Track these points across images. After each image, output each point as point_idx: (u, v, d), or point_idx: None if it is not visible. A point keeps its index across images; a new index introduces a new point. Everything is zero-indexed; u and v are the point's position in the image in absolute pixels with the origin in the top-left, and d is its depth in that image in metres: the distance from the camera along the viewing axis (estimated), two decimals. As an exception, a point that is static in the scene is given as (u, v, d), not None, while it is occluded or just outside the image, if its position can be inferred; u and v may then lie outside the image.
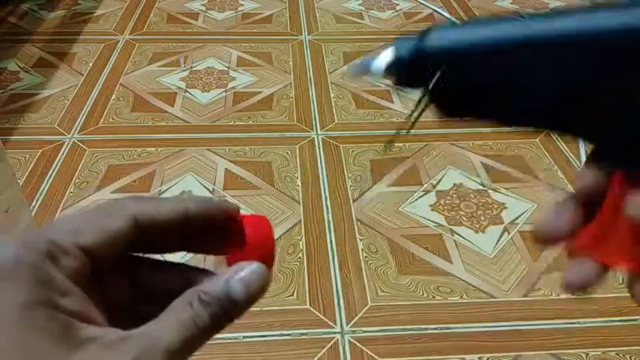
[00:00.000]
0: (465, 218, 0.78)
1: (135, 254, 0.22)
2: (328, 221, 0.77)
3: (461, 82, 0.22)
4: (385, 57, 0.22)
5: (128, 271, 0.22)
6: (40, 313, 0.18)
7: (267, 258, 0.22)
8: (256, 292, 0.21)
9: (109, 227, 0.20)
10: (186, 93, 1.05)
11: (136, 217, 0.21)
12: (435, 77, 0.22)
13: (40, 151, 0.88)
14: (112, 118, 0.97)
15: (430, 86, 0.22)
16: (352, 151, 0.91)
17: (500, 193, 0.83)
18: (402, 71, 0.23)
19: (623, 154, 0.22)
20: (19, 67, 1.11)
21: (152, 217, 0.21)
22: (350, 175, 0.86)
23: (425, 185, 0.84)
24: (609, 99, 0.20)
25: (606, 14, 0.20)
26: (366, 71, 0.22)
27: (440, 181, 0.85)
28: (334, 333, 0.63)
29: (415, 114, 0.24)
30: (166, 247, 0.23)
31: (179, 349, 0.20)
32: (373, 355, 0.60)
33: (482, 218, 0.78)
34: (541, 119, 0.23)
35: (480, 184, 0.84)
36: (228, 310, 0.21)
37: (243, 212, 0.23)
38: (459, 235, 0.75)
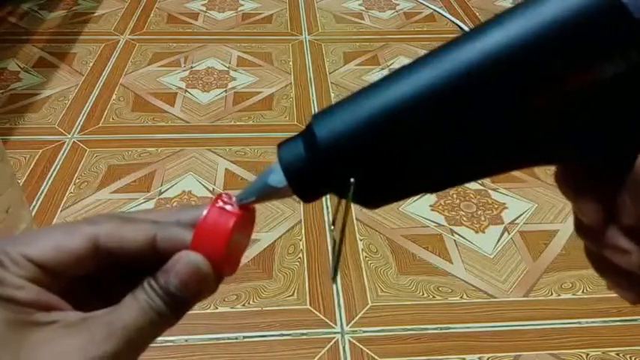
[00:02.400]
0: (465, 218, 0.78)
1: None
2: (328, 221, 0.77)
3: (378, 171, 0.21)
4: (277, 175, 0.21)
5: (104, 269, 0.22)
6: None
7: (215, 256, 0.21)
8: (193, 287, 0.21)
9: (64, 245, 0.21)
10: (187, 93, 1.05)
11: (96, 239, 0.21)
12: (351, 187, 0.21)
13: (41, 151, 0.88)
14: (112, 118, 0.97)
15: (350, 198, 0.21)
16: (352, 151, 0.91)
17: (500, 193, 0.83)
18: (305, 184, 0.21)
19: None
20: (19, 67, 1.11)
21: (115, 241, 0.21)
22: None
23: (425, 185, 0.84)
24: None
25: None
26: (269, 191, 0.21)
27: (440, 181, 0.85)
28: (334, 333, 0.63)
29: (339, 221, 0.22)
30: (135, 266, 0.22)
31: (136, 330, 0.20)
32: (373, 355, 0.60)
33: (482, 218, 0.78)
34: (471, 168, 0.21)
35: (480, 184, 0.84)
36: (174, 301, 0.21)
37: (227, 198, 0.22)
38: (459, 235, 0.75)
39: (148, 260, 0.22)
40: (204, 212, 0.21)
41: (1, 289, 0.19)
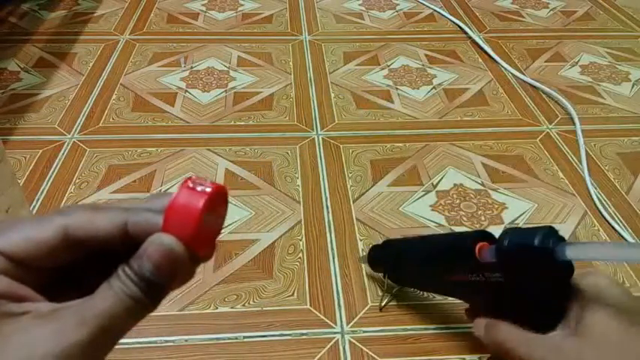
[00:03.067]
0: (465, 218, 0.78)
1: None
2: (328, 221, 0.77)
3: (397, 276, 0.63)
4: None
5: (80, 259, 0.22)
6: None
7: (187, 237, 0.21)
8: (167, 269, 0.20)
9: (34, 236, 0.20)
10: (187, 93, 1.05)
11: (66, 229, 0.21)
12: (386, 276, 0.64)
13: (41, 151, 0.88)
14: (113, 118, 0.97)
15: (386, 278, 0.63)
16: (352, 151, 0.91)
17: (500, 193, 0.83)
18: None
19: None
20: (19, 67, 1.11)
21: (85, 230, 0.21)
22: (350, 175, 0.86)
23: (425, 185, 0.84)
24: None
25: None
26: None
27: (440, 181, 0.85)
28: (334, 333, 0.63)
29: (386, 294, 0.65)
30: (108, 254, 0.22)
31: (111, 318, 0.19)
32: (373, 356, 0.60)
33: (483, 218, 0.78)
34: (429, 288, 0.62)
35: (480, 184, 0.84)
36: (149, 286, 0.20)
37: (199, 182, 0.21)
38: (459, 235, 0.75)
39: (120, 248, 0.21)
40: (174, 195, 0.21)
41: None
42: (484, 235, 0.46)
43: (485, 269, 0.45)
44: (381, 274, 0.66)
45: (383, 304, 0.66)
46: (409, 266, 0.61)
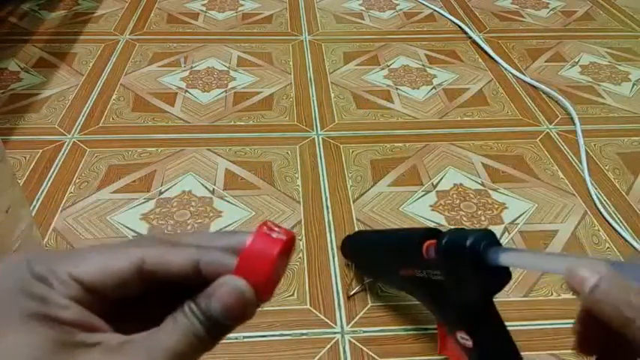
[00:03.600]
0: (465, 218, 0.78)
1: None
2: (328, 221, 0.77)
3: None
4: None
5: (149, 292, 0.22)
6: (38, 323, 0.19)
7: (258, 282, 0.21)
8: (235, 312, 0.21)
9: (110, 266, 0.21)
10: (187, 93, 1.05)
11: (142, 262, 0.21)
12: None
13: (41, 151, 0.88)
14: (113, 118, 0.97)
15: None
16: (352, 151, 0.91)
17: (500, 193, 0.83)
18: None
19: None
20: (19, 67, 1.11)
21: (160, 265, 0.21)
22: (350, 175, 0.86)
23: (425, 185, 0.84)
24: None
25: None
26: None
27: (440, 181, 0.85)
28: (334, 333, 0.63)
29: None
30: (177, 289, 0.22)
31: (176, 355, 0.20)
32: (373, 356, 0.60)
33: (483, 218, 0.78)
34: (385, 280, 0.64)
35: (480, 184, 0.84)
36: (214, 326, 0.21)
37: (269, 226, 0.22)
38: (459, 235, 0.75)
39: (190, 284, 0.22)
40: (249, 238, 0.22)
41: (47, 308, 0.19)
42: (435, 234, 0.47)
43: (429, 267, 0.46)
44: (352, 265, 0.68)
45: (351, 293, 0.67)
46: (368, 257, 0.63)
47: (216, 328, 0.21)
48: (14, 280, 0.20)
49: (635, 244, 0.75)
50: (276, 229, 0.22)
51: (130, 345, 0.20)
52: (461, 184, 0.84)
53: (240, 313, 0.22)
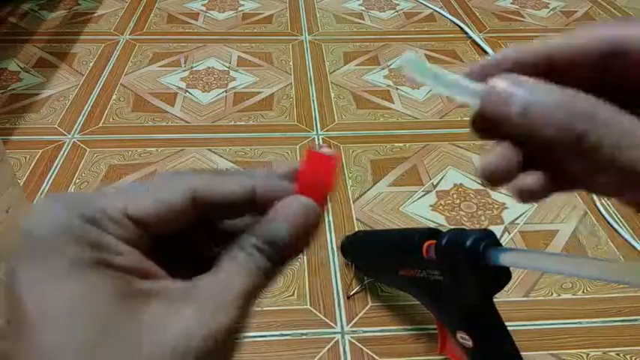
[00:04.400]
0: (465, 218, 0.78)
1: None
2: (329, 221, 0.77)
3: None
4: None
5: (199, 227, 0.21)
6: (92, 272, 0.17)
7: (317, 195, 0.21)
8: (303, 231, 0.20)
9: (165, 200, 0.19)
10: (187, 93, 1.05)
11: (195, 192, 0.19)
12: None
13: (41, 151, 0.88)
14: (113, 119, 0.97)
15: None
16: (352, 151, 0.91)
17: (501, 193, 0.83)
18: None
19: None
20: (19, 67, 1.11)
21: (213, 193, 0.20)
22: (350, 175, 0.86)
23: (425, 185, 0.84)
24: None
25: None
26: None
27: (440, 181, 0.85)
28: (334, 333, 0.63)
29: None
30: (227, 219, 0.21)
31: (245, 296, 0.18)
32: (373, 356, 0.60)
33: (483, 218, 0.78)
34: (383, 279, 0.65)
35: (481, 184, 0.84)
36: (279, 253, 0.19)
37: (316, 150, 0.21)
38: (459, 235, 0.75)
39: (244, 212, 0.20)
40: (303, 159, 0.21)
41: (102, 254, 0.17)
42: (435, 234, 0.47)
43: (429, 266, 0.46)
44: (352, 265, 0.68)
45: (351, 293, 0.67)
46: (368, 257, 0.63)
47: (281, 256, 0.19)
48: (61, 225, 0.17)
49: (635, 244, 0.75)
50: (323, 147, 0.22)
51: (194, 292, 0.18)
52: (461, 184, 0.84)
53: (309, 232, 0.20)
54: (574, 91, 0.18)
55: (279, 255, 0.19)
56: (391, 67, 1.16)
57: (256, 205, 0.20)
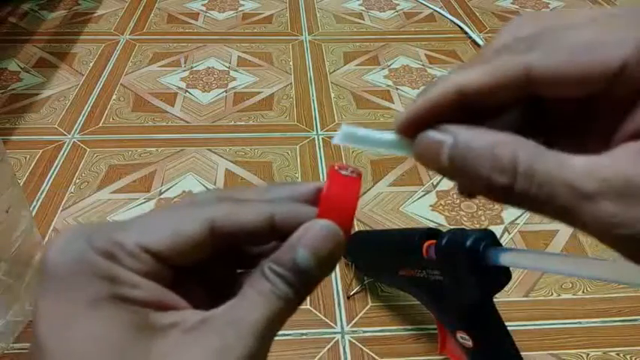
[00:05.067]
0: (465, 218, 0.78)
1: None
2: (328, 221, 0.77)
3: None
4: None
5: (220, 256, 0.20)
6: (109, 306, 0.17)
7: (340, 219, 0.20)
8: (326, 256, 0.19)
9: (182, 232, 0.18)
10: (187, 93, 1.05)
11: (213, 223, 0.19)
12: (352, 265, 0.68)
13: (41, 151, 0.88)
14: (113, 119, 0.97)
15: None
16: (352, 151, 0.91)
17: (501, 193, 0.83)
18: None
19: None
20: (19, 67, 1.11)
21: (232, 223, 0.19)
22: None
23: (425, 185, 0.84)
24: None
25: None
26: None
27: (440, 181, 0.85)
28: (334, 333, 0.63)
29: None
30: (249, 248, 0.21)
31: (266, 325, 0.18)
32: (374, 356, 0.60)
33: (483, 218, 0.78)
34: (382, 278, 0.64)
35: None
36: (302, 280, 0.19)
37: (338, 169, 0.21)
38: (459, 235, 0.75)
39: (264, 241, 0.20)
40: (325, 181, 0.21)
41: (116, 287, 0.17)
42: (435, 234, 0.47)
43: (429, 266, 0.46)
44: (352, 265, 0.67)
45: (351, 293, 0.67)
46: (368, 257, 0.63)
47: (304, 282, 0.19)
48: (75, 260, 0.17)
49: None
50: (347, 168, 0.21)
51: (212, 322, 0.18)
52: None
53: (330, 257, 0.19)
54: (494, 132, 0.18)
55: (301, 282, 0.19)
56: (391, 67, 1.16)
57: (277, 231, 0.20)
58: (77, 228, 0.18)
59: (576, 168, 0.17)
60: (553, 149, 0.18)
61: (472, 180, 0.18)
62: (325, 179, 0.21)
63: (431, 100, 0.19)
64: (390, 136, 0.21)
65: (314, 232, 0.19)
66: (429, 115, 0.19)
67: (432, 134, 0.19)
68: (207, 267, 0.20)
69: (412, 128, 0.20)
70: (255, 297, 0.18)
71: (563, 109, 0.20)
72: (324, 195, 0.20)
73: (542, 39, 0.18)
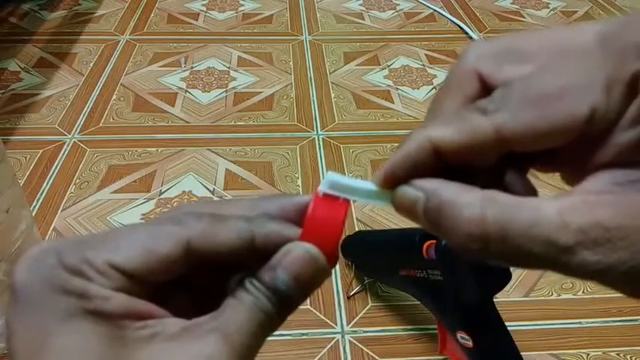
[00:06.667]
0: (465, 218, 0.78)
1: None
2: (328, 221, 0.77)
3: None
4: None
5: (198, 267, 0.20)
6: (82, 321, 0.17)
7: (323, 242, 0.19)
8: (305, 280, 0.19)
9: (153, 250, 0.18)
10: (187, 93, 1.05)
11: (188, 243, 0.19)
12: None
13: (41, 151, 0.88)
14: (113, 119, 0.97)
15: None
16: (352, 151, 0.91)
17: (501, 193, 0.83)
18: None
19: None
20: (19, 67, 1.11)
21: (208, 244, 0.19)
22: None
23: (425, 185, 0.84)
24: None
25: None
26: None
27: (440, 181, 0.85)
28: (335, 333, 0.63)
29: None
30: (225, 268, 0.20)
31: (249, 335, 0.18)
32: (374, 356, 0.60)
33: (483, 218, 0.78)
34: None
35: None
36: (281, 300, 0.19)
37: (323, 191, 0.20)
38: (460, 235, 0.75)
39: (243, 260, 0.20)
40: (308, 201, 0.20)
41: (87, 302, 0.17)
42: None
43: (429, 266, 0.46)
44: (352, 265, 0.68)
45: (351, 293, 0.67)
46: (368, 257, 0.63)
47: (284, 302, 0.19)
48: (45, 277, 0.17)
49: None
50: (328, 185, 0.21)
51: (194, 330, 0.18)
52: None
53: (311, 282, 0.19)
54: (464, 190, 0.18)
55: (281, 303, 0.19)
56: (391, 67, 1.16)
57: (257, 252, 0.19)
58: (46, 246, 0.18)
59: (551, 220, 0.16)
60: (524, 181, 0.19)
61: (448, 239, 0.19)
62: (311, 198, 0.20)
63: (406, 155, 0.20)
64: (372, 187, 0.21)
65: (293, 256, 0.19)
66: (406, 169, 0.20)
67: (406, 190, 0.20)
68: (190, 277, 0.20)
69: (390, 182, 0.20)
70: (237, 306, 0.18)
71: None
72: (309, 216, 0.20)
73: (509, 93, 0.18)
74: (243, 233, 0.19)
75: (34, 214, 0.76)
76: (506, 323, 0.46)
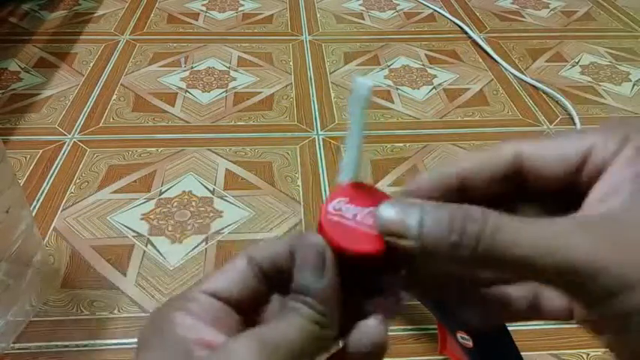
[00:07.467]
0: (465, 218, 0.78)
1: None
2: (328, 221, 0.77)
3: None
4: None
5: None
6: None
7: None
8: (318, 266, 0.21)
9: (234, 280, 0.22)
10: (187, 93, 1.05)
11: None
12: None
13: (41, 151, 0.88)
14: (113, 119, 0.97)
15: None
16: (352, 151, 0.90)
17: (501, 193, 0.83)
18: None
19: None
20: (19, 67, 1.11)
21: (268, 259, 0.22)
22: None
23: (425, 185, 0.84)
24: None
25: None
26: None
27: (440, 181, 0.85)
28: (334, 333, 0.62)
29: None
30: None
31: (301, 345, 0.19)
32: (373, 355, 0.60)
33: (483, 218, 0.78)
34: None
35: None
36: (317, 297, 0.20)
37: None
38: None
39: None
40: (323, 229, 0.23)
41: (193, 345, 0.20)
42: None
43: None
44: None
45: None
46: None
47: (320, 298, 0.20)
48: (156, 330, 0.21)
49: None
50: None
51: (249, 342, 0.19)
52: (461, 184, 0.84)
53: (322, 266, 0.21)
54: (464, 207, 0.20)
55: (318, 300, 0.20)
56: (391, 67, 1.16)
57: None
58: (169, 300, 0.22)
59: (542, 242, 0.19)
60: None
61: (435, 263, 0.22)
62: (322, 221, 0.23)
63: (429, 181, 0.24)
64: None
65: (305, 252, 0.21)
66: (424, 194, 0.23)
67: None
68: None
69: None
70: (291, 320, 0.20)
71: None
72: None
73: None
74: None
75: (34, 214, 0.76)
76: (507, 323, 0.46)
